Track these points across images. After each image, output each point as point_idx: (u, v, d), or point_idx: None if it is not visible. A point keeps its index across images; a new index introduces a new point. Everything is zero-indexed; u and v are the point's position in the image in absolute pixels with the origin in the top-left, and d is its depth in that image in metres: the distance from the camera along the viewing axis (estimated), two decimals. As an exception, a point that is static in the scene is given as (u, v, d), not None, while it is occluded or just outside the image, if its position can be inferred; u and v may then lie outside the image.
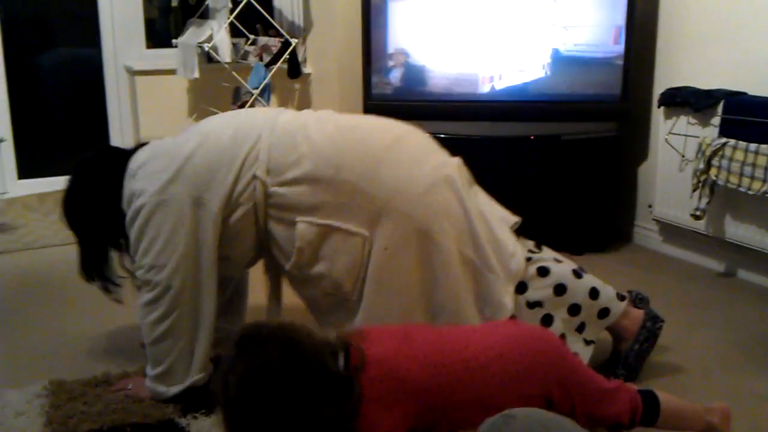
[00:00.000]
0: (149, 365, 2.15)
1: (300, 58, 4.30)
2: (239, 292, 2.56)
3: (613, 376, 2.29)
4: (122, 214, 2.16)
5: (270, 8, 4.35)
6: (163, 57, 4.20)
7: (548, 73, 3.54)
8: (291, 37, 4.15)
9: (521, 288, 2.18)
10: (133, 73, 4.13)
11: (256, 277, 2.52)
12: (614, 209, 3.73)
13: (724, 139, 3.05)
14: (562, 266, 2.26)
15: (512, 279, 2.16)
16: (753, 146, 2.92)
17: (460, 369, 1.72)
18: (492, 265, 2.13)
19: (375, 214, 2.07)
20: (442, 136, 3.54)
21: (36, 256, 3.60)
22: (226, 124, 2.19)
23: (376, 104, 3.66)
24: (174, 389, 2.12)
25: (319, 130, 2.15)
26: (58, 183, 3.77)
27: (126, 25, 4.14)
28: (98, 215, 2.25)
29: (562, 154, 3.56)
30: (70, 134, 4.56)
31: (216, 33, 3.91)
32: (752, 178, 2.93)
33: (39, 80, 4.47)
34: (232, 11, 3.94)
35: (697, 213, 3.18)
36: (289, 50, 4.14)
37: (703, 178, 3.13)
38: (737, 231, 3.16)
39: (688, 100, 3.27)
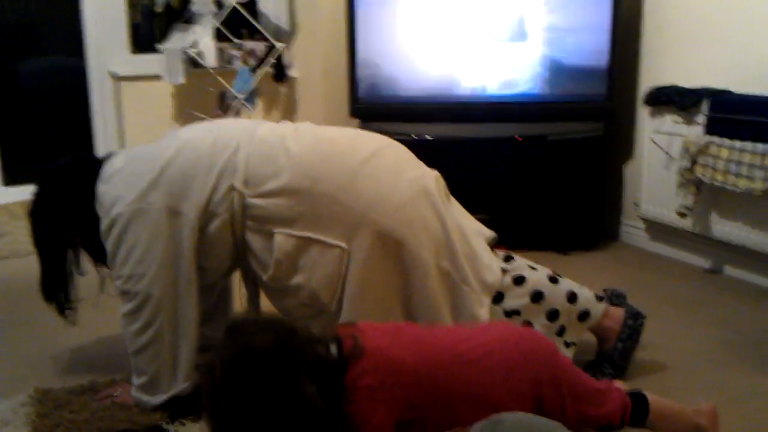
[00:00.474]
0: (133, 375, 2.14)
1: (286, 62, 4.30)
2: (224, 298, 2.55)
3: (601, 375, 2.29)
4: (95, 217, 2.14)
5: (255, 13, 4.34)
6: (148, 62, 4.18)
7: (533, 73, 3.55)
8: (277, 42, 4.15)
9: (498, 298, 2.19)
10: (118, 78, 4.12)
11: (235, 286, 2.52)
12: (601, 208, 3.74)
13: (709, 137, 3.07)
14: (537, 273, 2.27)
15: (488, 291, 2.17)
16: (738, 144, 2.94)
17: (453, 362, 1.72)
18: (468, 277, 2.14)
19: (353, 226, 2.07)
20: (428, 137, 3.58)
21: (21, 263, 3.57)
22: (205, 133, 2.19)
23: (362, 107, 3.67)
24: (159, 398, 2.11)
25: (298, 141, 2.15)
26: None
27: (110, 31, 4.12)
28: (67, 222, 2.24)
29: (548, 154, 3.57)
30: (56, 140, 4.54)
31: (201, 38, 3.90)
32: (738, 175, 2.94)
33: (23, 87, 4.45)
34: (217, 16, 3.93)
35: (684, 211, 3.19)
36: (275, 54, 4.14)
37: (688, 176, 3.14)
38: (723, 228, 3.17)
39: (673, 99, 3.28)
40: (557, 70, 3.53)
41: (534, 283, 2.23)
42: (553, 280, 2.27)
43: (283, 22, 4.40)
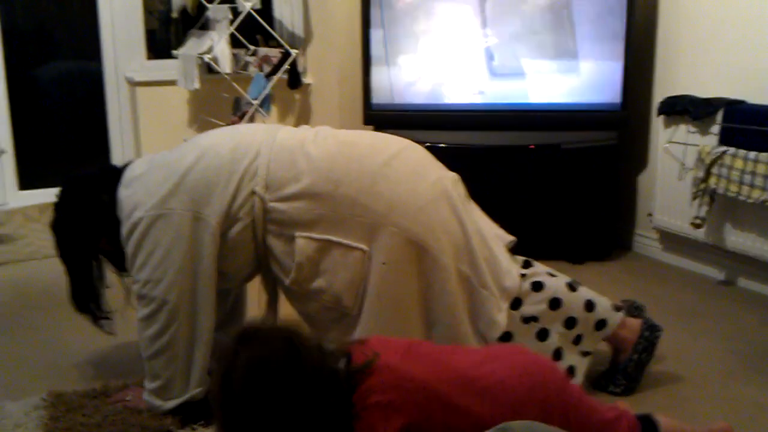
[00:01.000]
0: (147, 379, 2.15)
1: (300, 68, 4.31)
2: (238, 305, 2.55)
3: (613, 386, 2.29)
4: (114, 226, 2.16)
5: (270, 19, 4.36)
6: (163, 68, 4.21)
7: (548, 82, 3.55)
8: (291, 48, 4.16)
9: (516, 304, 2.19)
10: (134, 84, 4.14)
11: (254, 291, 2.52)
12: (614, 218, 3.73)
13: (723, 148, 3.05)
14: (556, 280, 2.26)
15: (507, 296, 2.17)
16: (752, 154, 2.92)
17: (463, 386, 1.70)
18: (487, 281, 2.13)
19: (374, 228, 2.07)
20: (442, 145, 3.58)
21: (36, 267, 3.60)
22: (225, 138, 2.19)
23: (375, 114, 3.67)
24: (171, 403, 2.12)
25: (318, 145, 2.15)
26: (59, 194, 3.79)
27: (127, 37, 4.15)
28: (90, 232, 2.25)
29: (561, 163, 3.56)
30: (71, 145, 4.56)
31: (216, 44, 3.92)
32: (752, 186, 2.93)
33: (39, 91, 4.48)
34: (232, 22, 3.95)
35: (697, 221, 3.18)
36: (289, 61, 4.15)
37: (702, 186, 3.13)
38: (737, 239, 3.15)
39: (687, 109, 3.27)
40: (571, 79, 3.52)
41: (552, 290, 2.22)
42: (572, 287, 2.26)
43: (297, 29, 4.41)
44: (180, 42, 4.18)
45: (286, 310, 2.31)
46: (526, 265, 2.31)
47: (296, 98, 4.51)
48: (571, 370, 2.19)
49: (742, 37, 3.19)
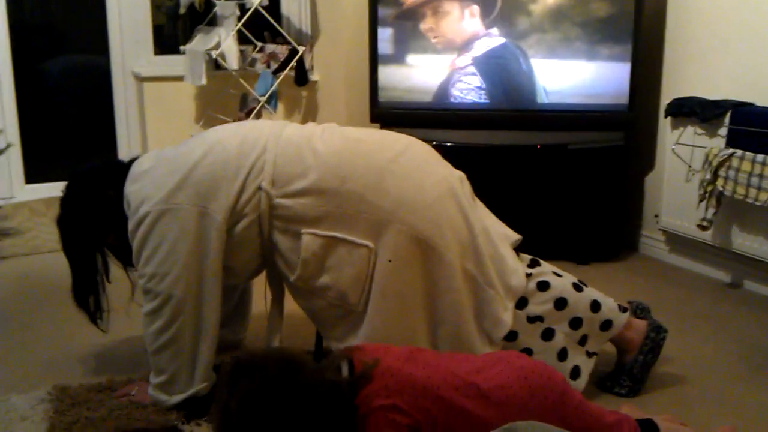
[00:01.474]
0: (152, 374, 2.15)
1: (307, 65, 4.31)
2: (243, 301, 2.56)
3: (618, 387, 2.28)
4: (121, 221, 2.16)
5: (278, 16, 4.36)
6: (170, 64, 4.21)
7: (555, 82, 3.54)
8: (298, 45, 4.16)
9: (521, 303, 2.18)
10: (141, 79, 4.14)
11: (259, 287, 2.52)
12: (621, 219, 3.72)
13: (731, 150, 3.05)
14: (562, 280, 2.26)
15: (512, 295, 2.16)
16: (760, 157, 2.92)
17: (464, 391, 1.71)
18: (493, 280, 2.13)
19: (380, 224, 2.07)
20: (448, 144, 3.58)
21: (43, 260, 3.61)
22: (232, 134, 2.19)
23: (382, 112, 3.67)
24: (176, 398, 2.13)
25: (325, 142, 2.15)
26: (65, 188, 3.79)
27: (134, 32, 4.15)
28: (96, 227, 2.25)
29: (568, 163, 3.55)
30: (78, 139, 4.57)
31: (224, 40, 3.92)
32: (759, 188, 2.92)
33: (47, 85, 4.48)
34: (239, 18, 3.95)
35: (704, 223, 3.18)
36: (297, 58, 4.15)
37: (709, 188, 3.12)
38: (744, 242, 3.15)
39: (695, 111, 3.27)
40: (579, 79, 3.52)
41: (558, 290, 2.22)
42: (578, 287, 2.25)
43: (305, 26, 4.41)
44: (187, 38, 4.17)
45: (291, 307, 2.31)
46: (533, 264, 2.30)
47: (303, 95, 4.51)
48: (576, 371, 2.19)
49: (750, 39, 3.19)
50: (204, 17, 4.14)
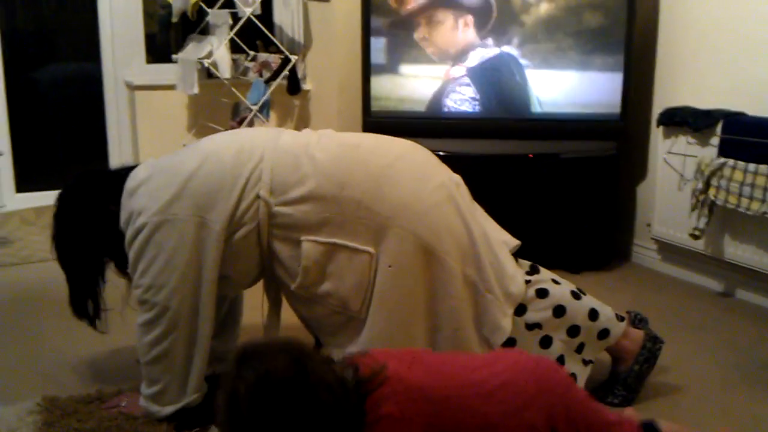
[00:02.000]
0: (144, 384, 2.13)
1: (300, 74, 4.31)
2: (233, 312, 2.54)
3: (612, 396, 2.28)
4: (120, 235, 2.14)
5: (270, 25, 4.36)
6: (163, 72, 4.20)
7: (547, 91, 3.54)
8: (291, 54, 4.16)
9: (520, 310, 2.18)
10: (133, 88, 4.13)
11: (249, 298, 2.51)
12: (613, 228, 3.72)
13: (723, 159, 3.05)
14: (560, 288, 2.25)
15: (511, 302, 2.16)
16: (752, 166, 2.92)
17: (469, 392, 1.71)
18: (492, 286, 2.13)
19: (380, 230, 2.06)
20: (440, 153, 3.55)
21: (33, 270, 3.59)
22: (228, 143, 2.18)
23: (374, 121, 3.67)
24: (168, 409, 2.11)
25: (322, 149, 2.14)
26: (56, 198, 3.77)
27: (126, 40, 4.14)
28: (91, 240, 2.23)
29: (561, 172, 3.56)
30: (69, 148, 4.55)
31: (216, 49, 3.91)
32: (751, 198, 2.93)
33: (38, 94, 4.46)
34: (232, 27, 3.94)
35: (696, 233, 3.18)
36: (289, 67, 4.15)
37: (701, 197, 3.13)
38: (736, 251, 3.15)
39: (687, 120, 3.27)
40: (571, 88, 3.52)
41: (557, 298, 2.21)
42: (576, 295, 2.25)
43: (297, 35, 4.41)
44: (180, 46, 4.17)
45: (286, 317, 2.30)
46: (533, 270, 2.30)
47: (296, 104, 4.50)
48: (572, 378, 2.18)
49: (742, 49, 3.20)
50: (196, 26, 4.14)
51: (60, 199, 2.26)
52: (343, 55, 4.29)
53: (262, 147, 2.14)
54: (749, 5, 3.16)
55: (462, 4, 3.55)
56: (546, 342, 2.19)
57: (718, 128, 3.14)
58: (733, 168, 3.00)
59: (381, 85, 3.65)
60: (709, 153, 3.19)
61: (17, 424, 2.11)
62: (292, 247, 2.10)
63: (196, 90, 3.92)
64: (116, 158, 4.24)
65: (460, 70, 3.59)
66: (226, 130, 4.05)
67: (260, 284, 2.31)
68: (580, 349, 2.23)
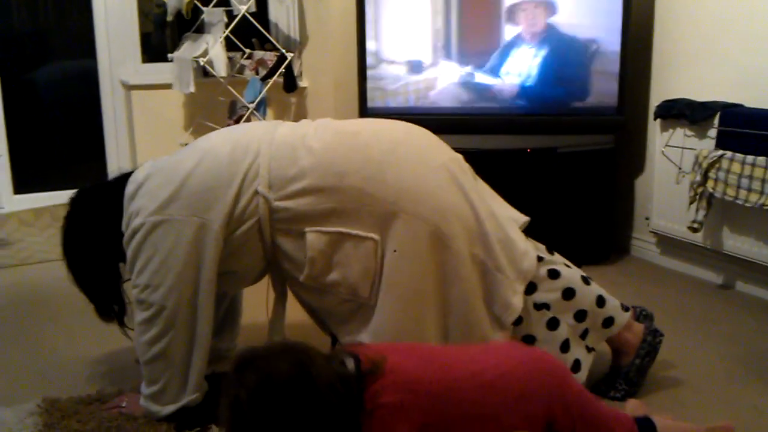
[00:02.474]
0: (144, 384, 2.13)
1: (296, 72, 4.30)
2: (233, 310, 2.54)
3: (614, 390, 2.28)
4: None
5: (266, 22, 4.35)
6: (158, 71, 4.19)
7: (544, 85, 3.54)
8: (287, 51, 4.15)
9: (530, 289, 2.17)
10: (129, 87, 4.12)
11: (250, 297, 2.51)
12: (611, 221, 3.72)
13: (720, 152, 3.05)
14: (571, 271, 2.25)
15: (523, 278, 2.14)
16: (750, 158, 2.92)
17: (468, 382, 1.71)
18: (502, 265, 2.11)
19: (384, 216, 2.05)
20: (438, 149, 3.57)
21: (32, 271, 3.59)
22: (223, 140, 2.17)
23: (371, 117, 3.65)
24: (168, 408, 2.10)
25: (320, 139, 2.13)
26: (55, 198, 3.77)
27: (122, 40, 4.14)
28: (103, 259, 2.23)
29: (558, 166, 3.55)
30: (67, 149, 4.55)
31: (211, 47, 3.91)
32: (749, 190, 2.92)
33: (35, 95, 4.46)
34: (227, 25, 3.93)
35: (695, 225, 3.18)
36: (285, 64, 4.14)
37: (700, 190, 3.12)
38: (735, 243, 3.15)
39: (684, 113, 3.27)
40: (568, 83, 3.52)
41: (567, 280, 2.21)
42: (586, 281, 2.25)
43: (293, 32, 4.40)
44: (175, 45, 4.16)
45: (293, 314, 2.30)
46: (548, 251, 2.30)
47: (292, 102, 4.50)
48: (577, 364, 2.18)
49: (739, 41, 3.19)
50: (191, 24, 4.13)
51: (66, 224, 2.26)
52: (339, 51, 4.28)
53: (258, 142, 2.13)
54: (745, -3, 3.16)
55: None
56: (553, 324, 2.18)
57: (716, 120, 3.14)
58: (731, 160, 2.99)
59: (377, 81, 3.64)
60: (706, 145, 3.18)
61: (17, 426, 2.11)
62: (296, 240, 2.09)
63: (192, 89, 3.91)
64: (113, 158, 4.24)
65: (455, 65, 3.58)
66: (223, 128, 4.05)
67: (260, 283, 2.31)
68: (584, 335, 2.23)
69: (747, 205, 2.94)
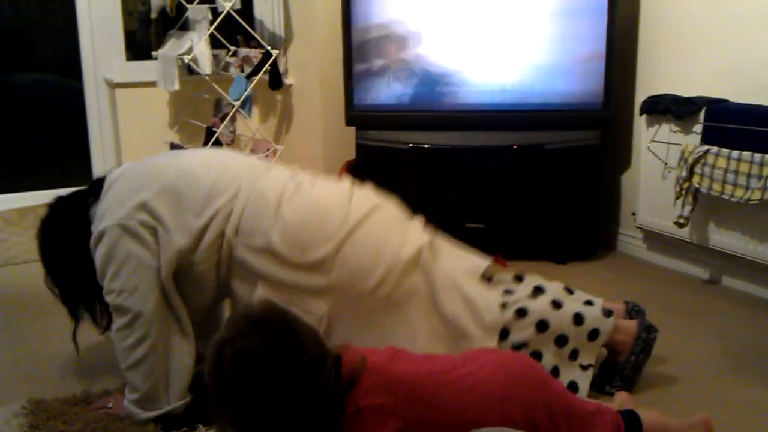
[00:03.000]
0: (127, 389, 2.11)
1: (281, 69, 4.29)
2: (215, 316, 2.52)
3: (610, 386, 2.28)
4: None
5: (251, 19, 4.34)
6: (143, 69, 4.17)
7: (530, 81, 3.54)
8: (272, 48, 4.13)
9: (504, 334, 2.18)
10: (114, 85, 4.10)
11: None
12: (598, 217, 3.72)
13: (706, 147, 3.06)
14: (540, 301, 2.24)
15: (492, 332, 2.16)
16: (735, 153, 2.93)
17: (449, 387, 1.71)
18: (465, 329, 2.14)
19: (335, 293, 2.11)
20: (425, 146, 3.57)
21: (15, 271, 3.56)
22: (209, 166, 2.18)
23: (357, 115, 3.65)
24: (151, 414, 2.09)
25: (293, 208, 2.15)
26: (39, 197, 3.73)
27: (106, 38, 4.11)
28: (80, 265, 2.20)
29: (544, 163, 3.55)
30: (50, 147, 4.51)
31: (196, 45, 3.89)
32: (735, 185, 2.93)
33: (18, 94, 4.43)
34: (212, 22, 3.92)
35: (681, 221, 3.18)
36: (270, 61, 4.13)
37: (686, 185, 3.13)
38: (721, 238, 3.16)
39: (670, 108, 3.27)
40: (554, 79, 3.52)
41: (537, 313, 2.20)
42: (557, 304, 2.23)
43: (278, 29, 4.39)
44: (160, 43, 4.14)
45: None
46: (518, 279, 2.32)
47: (278, 99, 4.48)
48: (572, 386, 2.17)
49: (724, 36, 3.20)
50: (176, 22, 4.11)
51: (41, 232, 2.26)
52: (325, 48, 4.27)
53: (239, 183, 2.15)
54: (730, -8, 3.17)
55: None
56: (536, 357, 2.18)
57: (701, 116, 3.15)
58: (717, 155, 3.00)
59: (363, 78, 3.63)
60: (692, 141, 3.19)
61: (3, 426, 2.09)
62: (249, 287, 2.14)
63: (176, 86, 3.90)
64: (98, 156, 4.21)
65: (442, 62, 3.58)
66: (208, 126, 4.04)
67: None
68: (574, 355, 2.22)
69: (733, 200, 2.95)
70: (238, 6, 3.97)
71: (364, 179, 3.70)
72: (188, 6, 3.93)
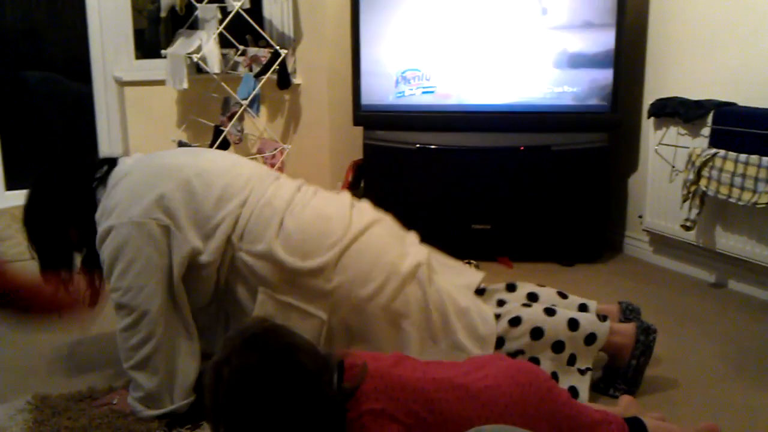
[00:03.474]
0: (131, 388, 2.12)
1: (289, 68, 4.29)
2: (226, 317, 2.53)
3: (614, 390, 2.28)
4: (90, 218, 2.16)
5: (260, 19, 4.34)
6: (152, 68, 4.18)
7: (538, 83, 3.54)
8: (280, 48, 4.14)
9: (499, 343, 2.20)
10: (122, 83, 4.11)
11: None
12: (604, 220, 3.72)
13: (713, 150, 3.05)
14: (533, 309, 2.26)
15: (487, 343, 2.19)
16: (743, 157, 2.92)
17: (452, 394, 1.70)
18: (460, 342, 2.17)
19: (334, 301, 2.14)
20: (432, 147, 3.57)
21: (24, 267, 3.56)
22: (223, 170, 2.21)
23: (365, 115, 3.65)
24: (154, 412, 2.09)
25: (296, 217, 2.19)
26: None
27: (115, 36, 4.12)
28: (62, 222, 2.24)
29: (552, 164, 3.55)
30: (59, 145, 4.53)
31: (205, 43, 3.89)
32: (742, 188, 2.92)
33: (27, 91, 4.44)
34: (221, 22, 3.92)
35: (688, 224, 3.18)
36: (279, 61, 4.13)
37: (693, 188, 3.12)
38: (728, 242, 3.15)
39: (677, 111, 3.27)
40: (562, 81, 3.52)
41: (531, 321, 2.22)
42: (550, 312, 2.25)
43: (287, 29, 4.39)
44: (169, 41, 4.15)
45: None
46: (510, 288, 2.37)
47: (286, 98, 4.49)
48: (572, 391, 2.17)
49: (732, 40, 3.19)
50: (185, 21, 4.12)
51: (34, 180, 2.30)
52: (333, 48, 4.27)
53: (249, 191, 2.19)
54: (739, -5, 3.16)
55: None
56: (534, 363, 2.18)
57: (709, 119, 3.14)
58: (724, 158, 2.99)
59: (371, 78, 3.63)
60: (700, 144, 3.19)
61: (8, 422, 2.10)
62: (248, 292, 2.17)
63: (185, 85, 3.90)
64: (106, 154, 4.21)
65: (450, 63, 3.58)
66: (216, 125, 4.04)
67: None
68: (571, 361, 2.22)
69: (740, 203, 2.94)
70: (247, 5, 3.97)
71: (370, 179, 3.72)
72: (198, 5, 3.94)
